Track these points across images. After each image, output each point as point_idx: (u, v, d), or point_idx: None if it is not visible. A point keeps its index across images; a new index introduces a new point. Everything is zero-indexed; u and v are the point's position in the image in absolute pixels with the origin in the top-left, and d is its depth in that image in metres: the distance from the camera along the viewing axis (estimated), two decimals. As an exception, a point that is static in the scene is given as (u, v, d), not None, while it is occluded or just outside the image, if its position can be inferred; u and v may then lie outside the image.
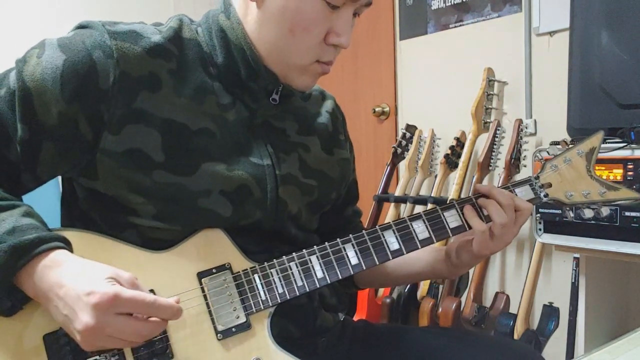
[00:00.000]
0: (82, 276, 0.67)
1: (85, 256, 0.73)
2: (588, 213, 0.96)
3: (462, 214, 0.88)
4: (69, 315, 0.66)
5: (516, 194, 0.91)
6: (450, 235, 0.87)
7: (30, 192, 0.81)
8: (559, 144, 0.98)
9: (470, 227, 0.88)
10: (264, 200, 0.84)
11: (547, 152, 0.97)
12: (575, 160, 0.93)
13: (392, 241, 0.85)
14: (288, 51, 0.81)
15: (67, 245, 0.74)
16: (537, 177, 0.93)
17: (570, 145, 0.95)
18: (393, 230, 0.86)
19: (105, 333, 0.65)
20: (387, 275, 1.04)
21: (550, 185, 0.93)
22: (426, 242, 0.86)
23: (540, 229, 1.50)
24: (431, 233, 0.86)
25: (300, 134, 0.92)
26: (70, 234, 0.76)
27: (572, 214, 0.96)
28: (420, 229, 0.86)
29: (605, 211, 0.95)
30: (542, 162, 0.95)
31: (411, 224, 0.86)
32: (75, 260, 0.70)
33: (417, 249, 0.86)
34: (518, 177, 1.51)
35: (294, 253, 0.83)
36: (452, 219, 0.88)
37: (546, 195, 0.92)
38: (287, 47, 0.80)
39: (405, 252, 0.85)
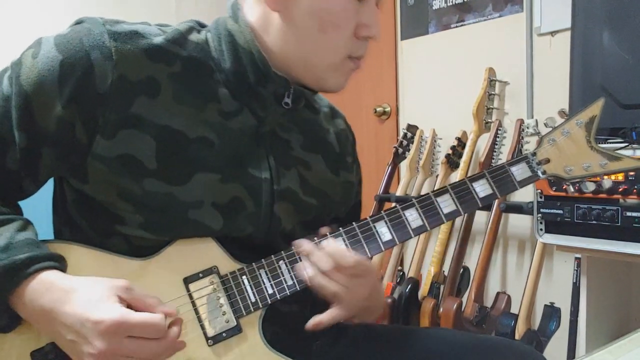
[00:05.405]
0: (84, 300, 0.67)
1: (73, 270, 0.73)
2: (590, 186, 0.90)
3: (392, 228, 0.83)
4: (77, 340, 0.66)
5: (439, 204, 0.84)
6: (444, 221, 0.84)
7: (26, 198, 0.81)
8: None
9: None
10: (257, 215, 0.81)
11: (535, 128, 0.91)
12: (574, 132, 0.87)
13: (384, 232, 0.82)
14: (320, 52, 0.80)
15: (61, 262, 0.73)
16: (535, 154, 0.87)
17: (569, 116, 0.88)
18: (385, 220, 0.83)
19: (119, 354, 0.66)
20: None
21: (548, 160, 0.87)
22: (419, 230, 0.83)
23: (541, 229, 1.50)
24: (424, 220, 0.83)
25: (304, 148, 0.89)
26: (57, 247, 0.75)
27: (572, 189, 0.90)
28: (412, 217, 0.83)
29: (607, 183, 0.87)
30: (540, 137, 0.89)
31: (403, 212, 0.83)
32: (70, 280, 0.70)
33: (411, 237, 0.83)
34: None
35: (282, 252, 0.81)
36: (445, 204, 0.85)
37: (544, 172, 0.87)
38: (318, 47, 0.80)
39: (397, 242, 0.83)
